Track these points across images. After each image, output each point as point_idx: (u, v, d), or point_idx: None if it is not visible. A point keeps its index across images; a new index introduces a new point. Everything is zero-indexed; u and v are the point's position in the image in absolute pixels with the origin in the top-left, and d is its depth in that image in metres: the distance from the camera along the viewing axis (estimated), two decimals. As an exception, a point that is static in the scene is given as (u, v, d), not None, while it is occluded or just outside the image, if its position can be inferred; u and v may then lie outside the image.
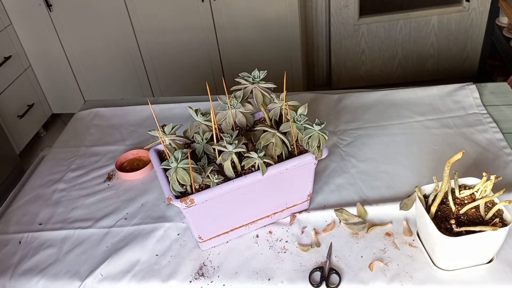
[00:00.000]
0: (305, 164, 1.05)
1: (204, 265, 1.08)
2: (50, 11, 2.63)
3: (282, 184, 1.08)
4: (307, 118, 1.06)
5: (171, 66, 2.80)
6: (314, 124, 1.03)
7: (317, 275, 1.02)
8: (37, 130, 2.95)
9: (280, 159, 1.05)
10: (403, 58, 2.97)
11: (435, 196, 0.97)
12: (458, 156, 0.92)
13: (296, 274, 1.03)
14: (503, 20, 2.67)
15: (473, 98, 1.51)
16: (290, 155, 1.07)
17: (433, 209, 0.96)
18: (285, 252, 1.09)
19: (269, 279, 1.03)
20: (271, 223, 1.16)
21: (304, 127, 1.05)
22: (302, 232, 1.13)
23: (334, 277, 1.01)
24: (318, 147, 1.03)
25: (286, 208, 1.15)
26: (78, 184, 1.37)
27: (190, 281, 1.05)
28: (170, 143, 1.08)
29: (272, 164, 1.02)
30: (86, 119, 1.67)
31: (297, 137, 1.07)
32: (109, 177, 1.38)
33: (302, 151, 1.07)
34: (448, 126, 1.41)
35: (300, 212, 1.17)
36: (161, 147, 1.13)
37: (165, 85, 2.89)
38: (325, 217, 1.16)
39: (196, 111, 1.11)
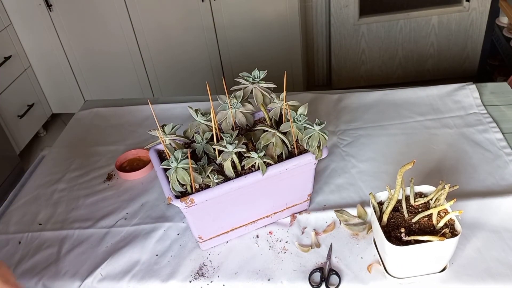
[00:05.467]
0: (305, 164, 1.05)
1: (204, 265, 1.08)
2: (50, 11, 2.63)
3: (282, 184, 1.08)
4: (307, 118, 1.06)
5: (171, 66, 2.80)
6: (314, 124, 1.03)
7: (317, 276, 1.02)
8: (37, 130, 2.95)
9: (280, 159, 1.05)
10: (403, 58, 2.97)
11: (389, 203, 0.97)
12: (410, 165, 0.92)
13: (296, 275, 1.03)
14: (503, 20, 2.67)
15: (473, 98, 1.51)
16: (290, 155, 1.07)
17: (385, 217, 0.96)
18: (285, 252, 1.09)
19: (269, 280, 1.03)
20: (271, 223, 1.16)
21: (304, 127, 1.05)
22: (302, 233, 1.13)
23: (334, 278, 1.01)
24: (318, 147, 1.03)
25: (286, 208, 1.15)
26: (78, 184, 1.37)
27: (190, 281, 1.05)
28: (170, 143, 1.08)
29: (272, 164, 1.02)
30: (86, 119, 1.67)
31: (297, 137, 1.07)
32: (109, 177, 1.38)
33: (302, 151, 1.07)
34: (448, 126, 1.41)
35: (300, 212, 1.17)
36: (161, 147, 1.13)
37: (165, 85, 2.89)
38: (325, 217, 1.16)
39: (196, 111, 1.11)
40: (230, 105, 1.11)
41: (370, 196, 1.00)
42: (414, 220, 0.96)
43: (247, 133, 1.12)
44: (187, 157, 0.98)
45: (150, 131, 1.10)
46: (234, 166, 1.03)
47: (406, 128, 1.43)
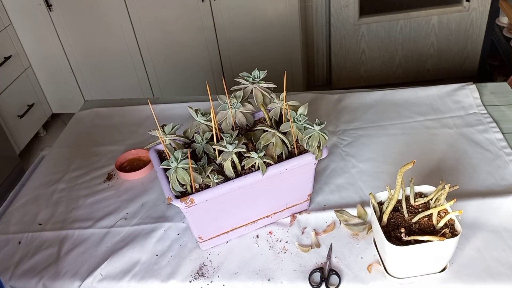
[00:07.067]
0: (305, 164, 1.05)
1: (204, 265, 1.08)
2: (50, 11, 2.63)
3: (282, 184, 1.08)
4: (307, 118, 1.06)
5: (171, 66, 2.80)
6: (314, 124, 1.03)
7: (317, 276, 1.02)
8: (37, 130, 2.95)
9: (280, 159, 1.05)
10: (403, 58, 2.97)
11: (389, 204, 0.97)
12: (410, 165, 0.92)
13: (296, 275, 1.03)
14: (503, 20, 2.67)
15: (473, 98, 1.51)
16: (290, 155, 1.07)
17: (385, 217, 0.96)
18: (285, 252, 1.09)
19: (269, 280, 1.03)
20: (271, 223, 1.16)
21: (304, 127, 1.05)
22: (302, 233, 1.13)
23: (334, 278, 1.01)
24: (318, 147, 1.03)
25: (286, 208, 1.15)
26: (78, 184, 1.37)
27: (190, 281, 1.05)
28: (170, 143, 1.08)
29: (272, 164, 1.02)
30: (86, 119, 1.67)
31: (297, 137, 1.07)
32: (109, 177, 1.38)
33: (302, 151, 1.07)
34: (448, 126, 1.41)
35: (300, 212, 1.17)
36: (161, 147, 1.13)
37: (165, 85, 2.89)
38: (325, 218, 1.16)
39: (196, 111, 1.11)
40: (230, 105, 1.11)
41: (370, 196, 1.00)
42: (414, 220, 0.96)
43: (247, 133, 1.12)
44: (187, 157, 0.98)
45: (150, 131, 1.10)
46: (234, 166, 1.03)
47: (406, 128, 1.43)
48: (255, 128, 1.14)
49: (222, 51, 2.72)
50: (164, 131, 1.08)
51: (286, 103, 1.08)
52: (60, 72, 2.87)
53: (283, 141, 1.05)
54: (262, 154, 1.01)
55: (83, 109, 1.72)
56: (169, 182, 1.00)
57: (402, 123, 1.45)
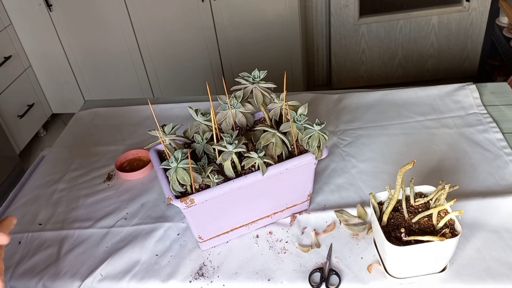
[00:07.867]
0: (305, 164, 1.05)
1: (204, 265, 1.08)
2: (50, 11, 2.63)
3: (282, 184, 1.08)
4: (307, 118, 1.06)
5: (171, 66, 2.80)
6: (314, 124, 1.03)
7: (317, 276, 1.02)
8: (37, 130, 2.95)
9: (280, 159, 1.05)
10: (403, 58, 2.97)
11: (389, 204, 0.97)
12: (410, 165, 0.92)
13: (296, 275, 1.03)
14: (503, 20, 2.67)
15: (473, 98, 1.51)
16: (290, 155, 1.07)
17: (385, 217, 0.96)
18: (285, 252, 1.09)
19: (269, 280, 1.03)
20: (271, 223, 1.16)
21: (304, 127, 1.05)
22: (302, 233, 1.13)
23: (334, 278, 1.01)
24: (318, 147, 1.03)
25: (286, 208, 1.15)
26: (78, 184, 1.37)
27: (190, 281, 1.05)
28: (170, 143, 1.08)
29: (272, 164, 1.02)
30: (86, 119, 1.67)
31: (297, 137, 1.07)
32: (109, 177, 1.38)
33: (302, 151, 1.07)
34: (448, 126, 1.41)
35: (300, 212, 1.17)
36: (161, 147, 1.13)
37: (165, 85, 2.89)
38: (325, 218, 1.16)
39: (196, 111, 1.11)
40: (230, 105, 1.11)
41: (370, 196, 1.00)
42: (414, 220, 0.96)
43: (247, 133, 1.12)
44: (187, 157, 0.98)
45: (150, 131, 1.10)
46: (234, 166, 1.03)
47: (406, 128, 1.43)
48: (255, 128, 1.14)
49: (222, 51, 2.72)
50: (164, 131, 1.08)
51: (286, 103, 1.08)
52: (60, 72, 2.87)
53: (283, 141, 1.05)
54: (262, 154, 1.01)
55: (83, 109, 1.72)
56: (169, 182, 1.00)
57: (402, 123, 1.45)
